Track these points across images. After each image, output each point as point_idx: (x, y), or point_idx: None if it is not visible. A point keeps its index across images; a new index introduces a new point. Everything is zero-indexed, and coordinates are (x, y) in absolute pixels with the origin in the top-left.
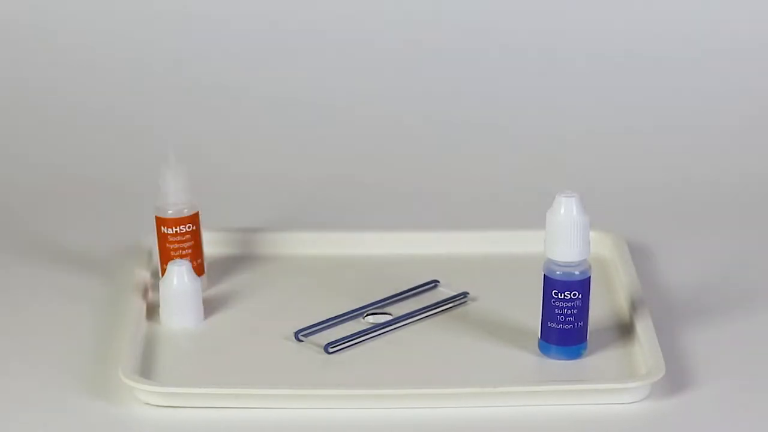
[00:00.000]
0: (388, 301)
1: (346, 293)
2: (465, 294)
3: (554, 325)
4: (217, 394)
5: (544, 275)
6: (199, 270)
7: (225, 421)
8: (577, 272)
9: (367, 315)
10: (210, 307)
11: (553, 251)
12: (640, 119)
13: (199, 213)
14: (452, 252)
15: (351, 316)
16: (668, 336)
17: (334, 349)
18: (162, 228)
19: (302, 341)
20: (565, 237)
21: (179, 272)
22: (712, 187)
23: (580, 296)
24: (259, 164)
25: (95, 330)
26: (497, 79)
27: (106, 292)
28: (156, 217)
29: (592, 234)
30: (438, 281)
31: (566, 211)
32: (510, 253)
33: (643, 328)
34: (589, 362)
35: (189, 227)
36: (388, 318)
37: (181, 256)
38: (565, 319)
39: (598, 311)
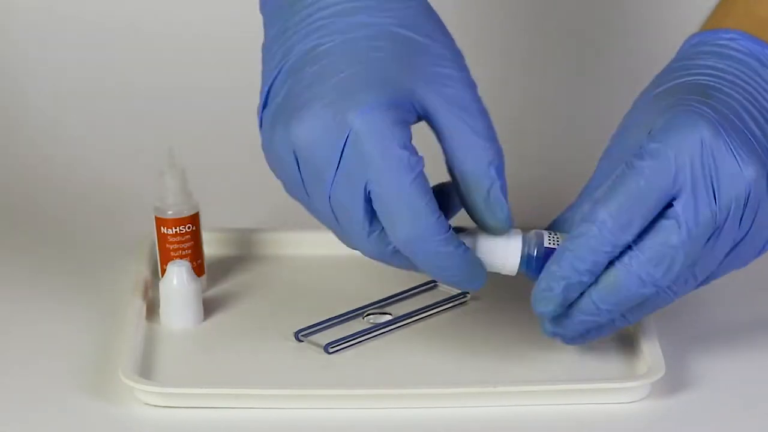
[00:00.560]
0: (388, 301)
1: (346, 293)
2: (465, 294)
3: None
4: (217, 394)
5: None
6: (199, 270)
7: (225, 421)
8: None
9: (367, 315)
10: (210, 307)
11: None
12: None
13: (199, 213)
14: None
15: (351, 316)
16: (668, 336)
17: (334, 349)
18: (162, 228)
19: (302, 341)
20: None
21: (179, 272)
22: None
23: None
24: (259, 164)
25: (95, 330)
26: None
27: (106, 292)
28: (156, 217)
29: None
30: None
31: None
32: None
33: (643, 327)
34: (589, 362)
35: (189, 227)
36: (388, 318)
37: (181, 257)
38: None
39: None
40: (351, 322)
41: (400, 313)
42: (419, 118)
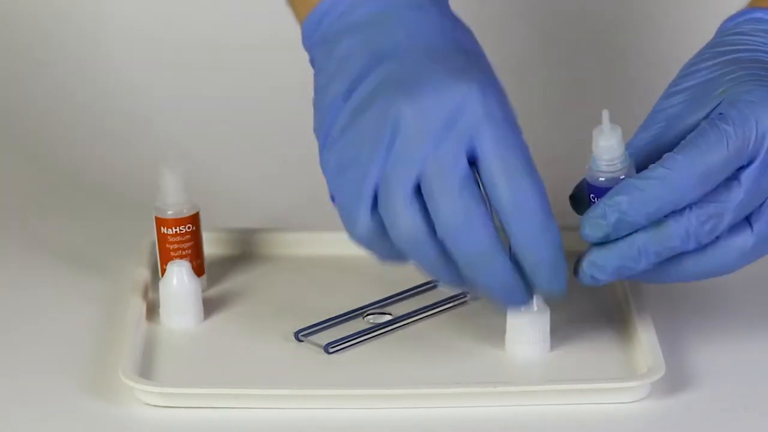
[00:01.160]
0: (388, 301)
1: (346, 293)
2: (465, 294)
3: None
4: (217, 394)
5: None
6: (199, 270)
7: (225, 421)
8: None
9: (367, 315)
10: (210, 307)
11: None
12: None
13: (199, 213)
14: None
15: (351, 316)
16: (668, 336)
17: (334, 349)
18: (162, 228)
19: (302, 341)
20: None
21: (179, 272)
22: None
23: None
24: (259, 164)
25: (95, 330)
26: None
27: (106, 292)
28: (156, 217)
29: None
30: (438, 281)
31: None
32: None
33: (643, 327)
34: (589, 362)
35: (189, 227)
36: (388, 318)
37: (181, 257)
38: None
39: (598, 311)
40: (351, 322)
41: (400, 313)
42: None
